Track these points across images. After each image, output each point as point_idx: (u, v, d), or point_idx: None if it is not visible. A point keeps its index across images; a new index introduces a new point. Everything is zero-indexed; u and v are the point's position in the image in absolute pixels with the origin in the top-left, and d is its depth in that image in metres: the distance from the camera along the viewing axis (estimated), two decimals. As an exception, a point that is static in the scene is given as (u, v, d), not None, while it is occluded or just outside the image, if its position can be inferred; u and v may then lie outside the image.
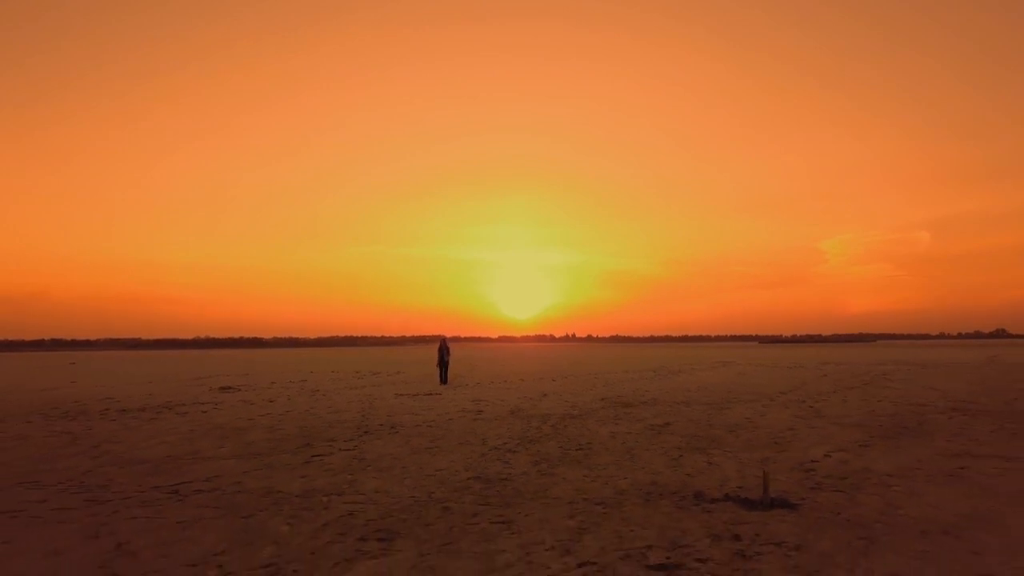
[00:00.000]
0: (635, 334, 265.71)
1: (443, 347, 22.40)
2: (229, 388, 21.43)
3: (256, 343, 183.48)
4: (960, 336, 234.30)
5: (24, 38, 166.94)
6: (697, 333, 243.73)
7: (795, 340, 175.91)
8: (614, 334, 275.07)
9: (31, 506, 5.87)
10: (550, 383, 21.45)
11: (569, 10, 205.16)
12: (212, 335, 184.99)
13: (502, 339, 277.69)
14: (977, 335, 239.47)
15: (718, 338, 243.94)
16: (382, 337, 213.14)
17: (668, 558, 4.23)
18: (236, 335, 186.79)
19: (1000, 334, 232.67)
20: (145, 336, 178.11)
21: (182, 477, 7.11)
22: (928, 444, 8.54)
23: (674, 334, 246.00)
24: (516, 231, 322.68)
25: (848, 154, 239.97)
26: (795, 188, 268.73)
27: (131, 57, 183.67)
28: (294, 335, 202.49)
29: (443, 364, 22.16)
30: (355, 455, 8.34)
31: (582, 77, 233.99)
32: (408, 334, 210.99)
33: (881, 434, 9.42)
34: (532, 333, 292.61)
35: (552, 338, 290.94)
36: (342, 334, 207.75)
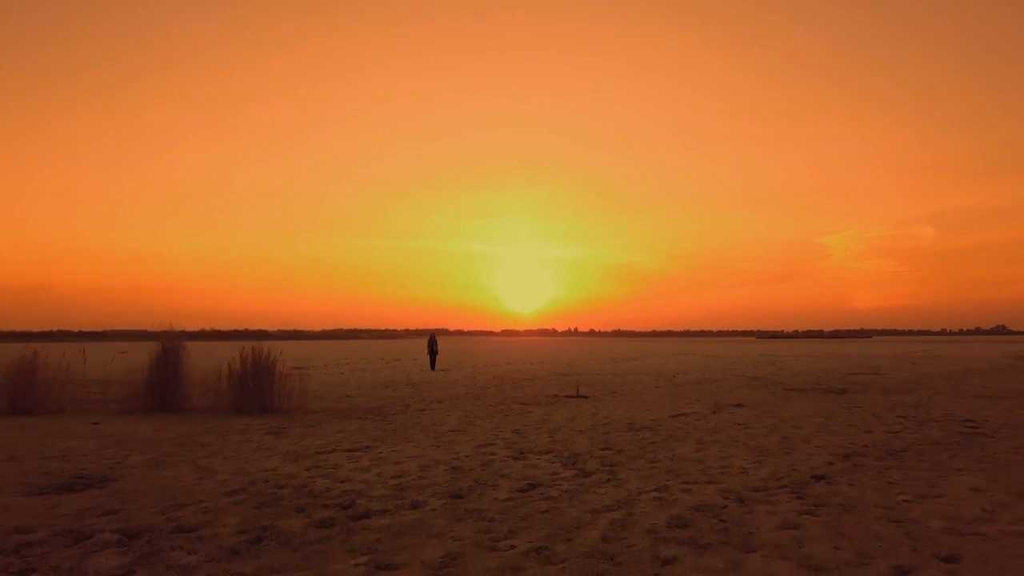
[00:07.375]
0: (637, 328, 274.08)
1: (432, 340, 29.96)
2: (300, 367, 30.64)
3: (262, 335, 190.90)
4: (961, 332, 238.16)
5: (24, 35, 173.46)
6: (699, 328, 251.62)
7: (794, 336, 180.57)
8: (616, 328, 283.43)
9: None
10: (528, 365, 30.71)
11: (570, 5, 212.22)
12: (216, 327, 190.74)
13: (505, 333, 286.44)
14: (977, 331, 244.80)
15: (719, 333, 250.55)
16: (385, 330, 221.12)
17: (528, 403, 13.45)
18: (240, 327, 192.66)
19: (999, 330, 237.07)
20: (151, 328, 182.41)
21: (357, 397, 16.38)
22: (691, 389, 17.67)
23: (676, 329, 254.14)
24: (519, 225, 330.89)
25: (851, 149, 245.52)
26: (797, 183, 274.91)
27: (134, 51, 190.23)
28: (298, 328, 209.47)
29: (432, 354, 28.85)
30: (413, 390, 17.59)
31: (585, 72, 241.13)
32: (412, 327, 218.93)
33: (675, 385, 18.59)
34: (535, 327, 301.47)
35: (554, 332, 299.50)
36: (346, 327, 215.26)
